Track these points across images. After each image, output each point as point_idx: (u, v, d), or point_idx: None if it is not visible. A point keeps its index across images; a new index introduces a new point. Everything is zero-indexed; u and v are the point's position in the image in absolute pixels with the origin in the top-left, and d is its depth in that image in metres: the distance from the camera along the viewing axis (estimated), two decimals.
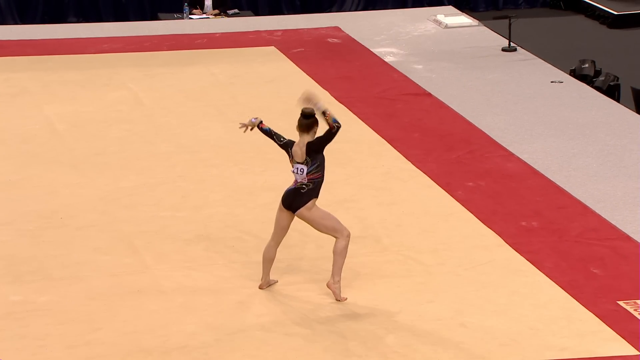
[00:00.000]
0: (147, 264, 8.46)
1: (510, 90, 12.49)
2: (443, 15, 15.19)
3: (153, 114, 11.77)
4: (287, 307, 7.85)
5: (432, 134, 11.23)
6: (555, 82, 12.74)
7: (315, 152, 7.74)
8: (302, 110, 7.80)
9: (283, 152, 10.79)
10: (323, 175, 7.84)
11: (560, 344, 7.42)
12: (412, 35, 14.59)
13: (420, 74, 13.04)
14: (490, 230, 9.05)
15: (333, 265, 7.85)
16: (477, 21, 15.08)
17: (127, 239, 8.80)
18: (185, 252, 8.66)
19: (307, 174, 7.74)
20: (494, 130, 11.25)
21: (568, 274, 8.32)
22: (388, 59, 13.63)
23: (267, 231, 9.00)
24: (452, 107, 11.96)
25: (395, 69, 13.23)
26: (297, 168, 7.76)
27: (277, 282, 8.04)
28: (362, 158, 10.63)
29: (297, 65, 13.37)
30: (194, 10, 15.66)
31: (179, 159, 10.55)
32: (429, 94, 12.38)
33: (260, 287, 8.01)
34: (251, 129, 8.05)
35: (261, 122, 8.01)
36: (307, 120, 7.77)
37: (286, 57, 13.67)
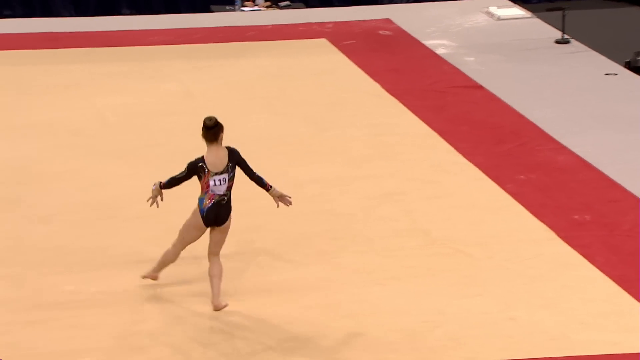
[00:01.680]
0: (195, 255, 8.47)
1: (562, 83, 12.35)
2: (495, 7, 15.06)
3: (202, 106, 11.80)
4: (330, 300, 7.82)
5: (481, 126, 11.13)
6: (609, 74, 12.57)
7: (234, 161, 7.47)
8: (204, 122, 7.49)
9: (331, 144, 10.83)
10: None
11: (611, 339, 7.31)
12: (463, 27, 14.48)
13: (470, 66, 12.94)
14: (541, 224, 8.94)
15: (216, 288, 7.55)
16: (530, 13, 14.92)
17: (175, 231, 8.79)
18: (231, 244, 8.65)
19: (226, 184, 7.44)
20: (545, 123, 11.13)
21: (619, 269, 8.19)
22: (439, 51, 13.54)
23: (313, 222, 9.01)
24: (502, 99, 11.85)
25: (445, 61, 13.14)
26: (218, 179, 7.42)
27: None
28: (410, 151, 10.57)
29: (347, 58, 13.34)
30: (246, 2, 15.69)
31: None
32: (480, 86, 12.27)
33: (145, 277, 7.77)
34: (160, 199, 7.70)
35: (160, 183, 7.68)
36: (212, 130, 7.49)
37: (337, 49, 13.64)
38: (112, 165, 10.26)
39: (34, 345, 7.21)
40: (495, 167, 10.09)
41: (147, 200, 7.74)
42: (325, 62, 13.18)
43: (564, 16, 13.69)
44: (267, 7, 15.66)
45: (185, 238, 7.67)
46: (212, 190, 7.46)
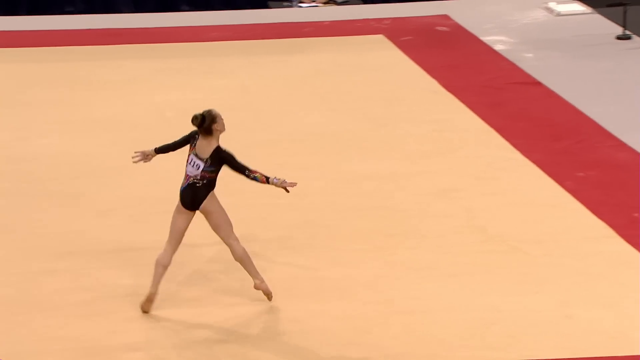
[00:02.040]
0: (249, 250, 8.51)
1: (622, 79, 12.20)
2: (555, 3, 14.91)
3: (258, 101, 11.86)
4: (388, 295, 7.80)
5: (539, 122, 11.04)
6: None
7: (219, 161, 7.42)
8: (191, 121, 7.45)
9: (387, 140, 10.81)
10: (216, 178, 7.48)
11: None
12: (521, 23, 14.37)
13: (528, 62, 12.84)
14: (599, 221, 8.85)
15: (248, 270, 7.55)
16: (591, 9, 14.75)
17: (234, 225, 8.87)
18: (287, 240, 8.69)
19: (201, 171, 7.42)
20: (604, 120, 11.00)
21: None
22: (496, 47, 13.45)
23: (368, 218, 9.01)
24: (561, 95, 11.74)
25: (503, 57, 13.05)
26: (194, 162, 7.42)
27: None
28: (467, 147, 10.51)
29: (404, 54, 13.30)
30: None
31: (282, 147, 10.59)
32: (538, 83, 12.17)
33: (146, 298, 7.48)
34: (145, 159, 7.73)
35: (154, 149, 7.68)
36: (202, 126, 7.44)
37: (394, 45, 13.61)
38: (170, 160, 10.28)
39: (92, 338, 7.30)
40: (553, 164, 10.00)
41: (135, 155, 7.72)
42: (382, 58, 13.16)
43: (625, 12, 13.51)
44: (325, 3, 15.66)
45: (171, 228, 7.52)
46: (187, 170, 7.47)
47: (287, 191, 7.60)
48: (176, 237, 7.54)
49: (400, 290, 7.88)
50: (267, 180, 7.48)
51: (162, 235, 8.75)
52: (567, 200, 9.28)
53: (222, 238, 7.59)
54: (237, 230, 8.78)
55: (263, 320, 7.50)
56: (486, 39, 13.76)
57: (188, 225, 7.56)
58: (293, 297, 7.83)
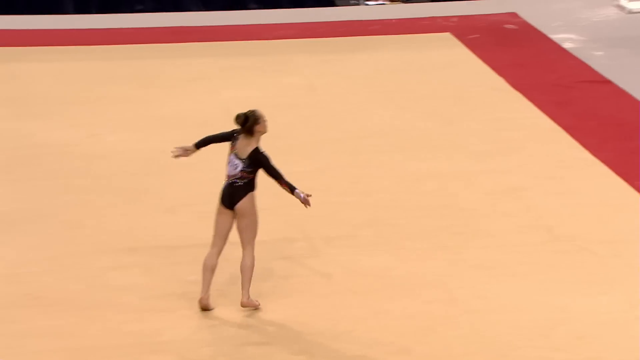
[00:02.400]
0: (316, 248, 8.55)
1: None
2: (626, 0, 14.71)
3: (324, 99, 11.89)
4: (449, 295, 7.79)
5: (609, 121, 10.92)
6: None
7: (256, 163, 7.44)
8: (235, 120, 7.49)
9: (453, 138, 10.77)
10: (255, 180, 7.50)
11: None
12: (591, 20, 14.21)
13: (598, 60, 12.69)
14: None
15: (242, 284, 7.49)
16: None
17: (298, 223, 8.92)
18: (353, 237, 8.70)
19: (240, 171, 7.46)
20: None
21: None
22: (565, 45, 13.33)
23: (434, 217, 8.98)
24: (632, 94, 11.59)
25: (572, 55, 12.93)
26: (234, 161, 7.48)
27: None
28: (535, 146, 10.43)
29: (471, 52, 13.24)
30: None
31: (349, 145, 10.61)
32: (608, 81, 12.03)
33: (201, 302, 7.50)
34: (184, 154, 7.74)
35: (194, 144, 7.71)
36: (245, 126, 7.47)
37: (461, 43, 13.55)
38: None
39: (160, 333, 7.37)
40: (623, 163, 9.88)
41: (172, 152, 7.74)
42: (449, 56, 13.12)
43: None
44: (392, 1, 15.65)
45: (215, 229, 7.57)
46: (227, 170, 7.53)
47: (305, 206, 7.60)
48: (221, 237, 7.58)
49: (465, 290, 7.85)
50: (292, 191, 7.52)
51: (232, 231, 8.83)
52: (636, 200, 9.16)
53: (241, 240, 7.59)
54: (305, 227, 8.86)
55: (326, 318, 7.51)
56: (555, 36, 13.63)
57: (231, 224, 7.58)
58: (359, 294, 7.83)
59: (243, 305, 7.56)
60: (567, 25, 14.06)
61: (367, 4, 15.60)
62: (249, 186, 7.51)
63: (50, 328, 7.40)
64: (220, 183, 9.75)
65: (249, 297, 7.56)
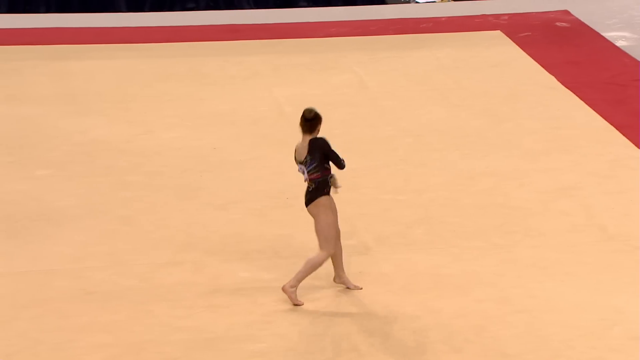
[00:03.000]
0: (368, 245, 8.57)
1: None
2: None
3: (377, 97, 11.90)
4: (504, 294, 7.76)
5: None
6: None
7: (316, 150, 7.46)
8: (303, 113, 7.54)
9: (506, 137, 10.73)
10: (325, 174, 7.51)
11: None
12: None
13: None
14: None
15: (298, 272, 7.57)
16: None
17: (350, 221, 8.94)
18: (405, 235, 8.71)
19: (307, 173, 7.51)
20: None
21: None
22: (619, 43, 13.21)
23: (487, 215, 8.96)
24: None
25: (627, 53, 12.81)
26: (300, 168, 7.57)
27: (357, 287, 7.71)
28: (588, 145, 10.36)
29: (523, 50, 13.18)
30: None
31: (401, 143, 10.61)
32: None
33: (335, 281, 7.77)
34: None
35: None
36: (309, 122, 7.51)
37: (512, 42, 13.49)
38: (290, 154, 10.42)
39: (213, 329, 7.43)
40: None
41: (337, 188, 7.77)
42: (500, 55, 13.06)
43: None
44: None
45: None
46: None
47: (336, 191, 7.66)
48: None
49: (518, 289, 7.82)
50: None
51: (282, 229, 8.90)
52: None
53: (318, 240, 7.68)
54: (357, 224, 8.88)
55: (379, 317, 7.52)
56: (608, 34, 13.52)
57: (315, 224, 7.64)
58: (411, 293, 7.84)
59: (283, 289, 7.64)
60: (622, 23, 13.93)
61: (418, 2, 15.58)
62: (317, 191, 7.57)
63: (105, 323, 7.49)
64: (272, 179, 9.85)
65: (292, 286, 7.60)
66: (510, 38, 13.63)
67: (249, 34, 14.21)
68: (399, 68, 12.72)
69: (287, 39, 14.01)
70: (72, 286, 7.99)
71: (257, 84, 12.40)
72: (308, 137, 7.61)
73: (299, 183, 9.75)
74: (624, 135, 10.53)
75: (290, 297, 7.66)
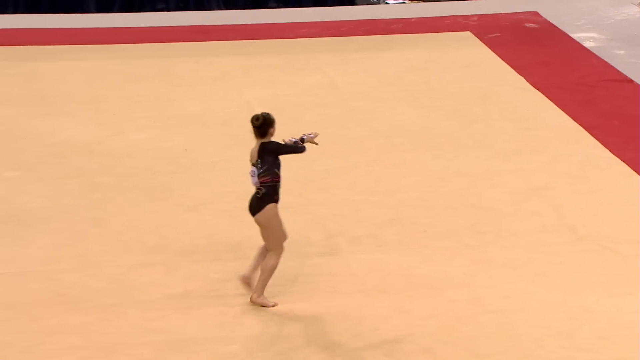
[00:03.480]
0: (339, 246, 8.58)
1: None
2: None
3: (348, 98, 11.91)
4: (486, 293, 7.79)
5: (633, 121, 10.90)
6: None
7: (267, 153, 7.44)
8: (251, 121, 7.50)
9: (477, 137, 10.77)
10: (275, 180, 7.49)
11: None
12: (614, 19, 14.17)
13: (622, 59, 12.66)
14: None
15: (257, 281, 7.58)
16: None
17: (321, 222, 8.95)
18: (377, 236, 8.72)
19: (257, 176, 7.48)
20: None
21: None
22: (588, 44, 13.29)
23: (458, 216, 8.99)
24: None
25: (595, 54, 12.90)
26: (251, 170, 7.53)
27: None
28: (558, 145, 10.43)
29: (492, 51, 13.23)
30: None
31: (373, 144, 10.63)
32: (631, 80, 12.00)
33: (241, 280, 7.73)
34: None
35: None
36: (257, 129, 7.49)
37: (482, 43, 13.54)
38: None
39: (185, 331, 7.41)
40: None
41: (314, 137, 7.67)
42: (471, 56, 13.11)
43: None
44: (412, 0, 15.65)
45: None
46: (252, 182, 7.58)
47: (316, 143, 7.60)
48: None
49: (490, 289, 7.86)
50: (302, 141, 7.54)
51: (254, 230, 8.87)
52: None
53: (267, 244, 7.67)
54: (329, 225, 8.88)
55: (351, 317, 7.53)
56: (577, 35, 13.60)
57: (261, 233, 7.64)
58: (382, 293, 7.85)
59: (252, 301, 7.62)
60: (590, 24, 14.02)
61: (388, 3, 15.61)
62: (266, 198, 7.52)
63: (76, 325, 7.45)
64: (243, 181, 9.82)
65: (260, 295, 7.62)
66: (480, 39, 13.68)
67: (219, 35, 14.18)
68: (370, 69, 12.74)
69: (257, 39, 13.99)
70: (43, 288, 7.94)
71: (228, 85, 12.38)
72: (260, 141, 7.58)
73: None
74: (592, 136, 10.60)
75: (262, 304, 7.65)
